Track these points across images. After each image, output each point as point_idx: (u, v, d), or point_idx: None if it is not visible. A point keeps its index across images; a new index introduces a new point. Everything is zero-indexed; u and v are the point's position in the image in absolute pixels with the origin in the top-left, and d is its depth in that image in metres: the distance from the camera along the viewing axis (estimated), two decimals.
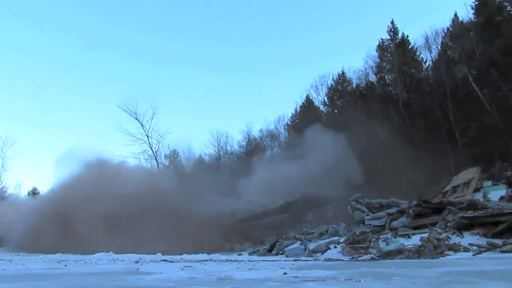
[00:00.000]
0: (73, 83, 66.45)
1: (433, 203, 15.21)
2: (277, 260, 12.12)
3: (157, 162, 41.14)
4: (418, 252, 11.01)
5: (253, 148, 46.18)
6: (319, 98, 42.66)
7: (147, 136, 40.37)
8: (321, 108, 42.81)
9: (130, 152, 39.65)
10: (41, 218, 20.84)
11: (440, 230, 12.87)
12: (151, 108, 40.53)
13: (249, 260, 11.86)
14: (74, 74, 64.65)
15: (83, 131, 61.32)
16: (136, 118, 40.08)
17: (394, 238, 13.27)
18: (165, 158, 45.12)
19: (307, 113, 42.12)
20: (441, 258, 10.37)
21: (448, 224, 12.99)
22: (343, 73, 40.01)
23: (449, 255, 10.80)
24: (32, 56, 64.49)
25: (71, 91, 67.08)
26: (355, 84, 38.82)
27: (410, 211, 14.71)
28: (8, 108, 60.69)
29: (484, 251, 10.91)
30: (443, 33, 32.25)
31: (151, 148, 40.72)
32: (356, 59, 71.55)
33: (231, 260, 11.93)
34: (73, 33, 66.85)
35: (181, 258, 12.34)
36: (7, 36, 62.50)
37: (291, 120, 45.41)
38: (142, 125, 40.28)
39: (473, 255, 10.68)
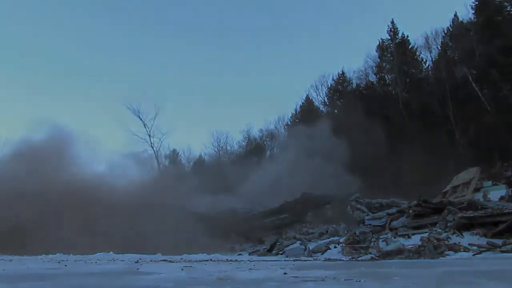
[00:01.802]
0: (74, 82, 66.52)
1: (433, 203, 15.20)
2: (277, 260, 12.12)
3: (157, 161, 41.22)
4: (418, 252, 11.01)
5: (253, 148, 46.26)
6: (319, 98, 42.77)
7: (149, 136, 40.50)
8: (321, 108, 42.88)
9: (131, 151, 39.62)
10: None
11: (440, 230, 12.87)
12: (155, 107, 40.84)
13: (249, 260, 11.85)
14: (75, 74, 64.61)
15: (84, 129, 61.08)
16: (139, 117, 40.30)
17: (394, 238, 13.26)
18: (165, 158, 45.26)
19: (307, 113, 42.16)
20: (441, 258, 10.37)
21: (448, 224, 12.98)
22: (343, 73, 40.06)
23: (449, 255, 10.79)
24: (33, 55, 64.33)
25: (71, 90, 67.00)
26: (355, 84, 38.87)
27: (410, 211, 14.71)
28: (9, 107, 60.68)
29: (484, 251, 10.91)
30: (443, 33, 32.31)
31: (152, 147, 40.81)
32: (356, 59, 71.60)
33: (231, 260, 11.93)
34: (75, 32, 66.72)
35: (181, 258, 12.33)
36: (9, 34, 62.41)
37: (291, 120, 45.46)
38: (144, 124, 40.44)
39: (473, 255, 10.67)
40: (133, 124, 40.82)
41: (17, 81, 63.71)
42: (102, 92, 66.91)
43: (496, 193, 17.35)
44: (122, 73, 65.46)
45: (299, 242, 15.46)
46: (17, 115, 64.61)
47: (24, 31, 65.12)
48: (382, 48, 35.59)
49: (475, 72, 27.12)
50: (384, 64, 35.82)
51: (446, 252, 10.98)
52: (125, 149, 40.47)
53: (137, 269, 7.96)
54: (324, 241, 15.45)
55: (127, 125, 41.52)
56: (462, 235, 12.24)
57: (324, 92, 42.01)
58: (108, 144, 50.02)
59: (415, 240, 12.54)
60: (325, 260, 11.46)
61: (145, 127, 40.49)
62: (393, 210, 15.81)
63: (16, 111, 63.27)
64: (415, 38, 34.61)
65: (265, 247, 16.96)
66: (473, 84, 26.42)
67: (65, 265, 9.25)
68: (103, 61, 66.29)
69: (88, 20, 66.52)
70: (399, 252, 11.30)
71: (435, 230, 12.92)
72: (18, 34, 62.83)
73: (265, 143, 47.47)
